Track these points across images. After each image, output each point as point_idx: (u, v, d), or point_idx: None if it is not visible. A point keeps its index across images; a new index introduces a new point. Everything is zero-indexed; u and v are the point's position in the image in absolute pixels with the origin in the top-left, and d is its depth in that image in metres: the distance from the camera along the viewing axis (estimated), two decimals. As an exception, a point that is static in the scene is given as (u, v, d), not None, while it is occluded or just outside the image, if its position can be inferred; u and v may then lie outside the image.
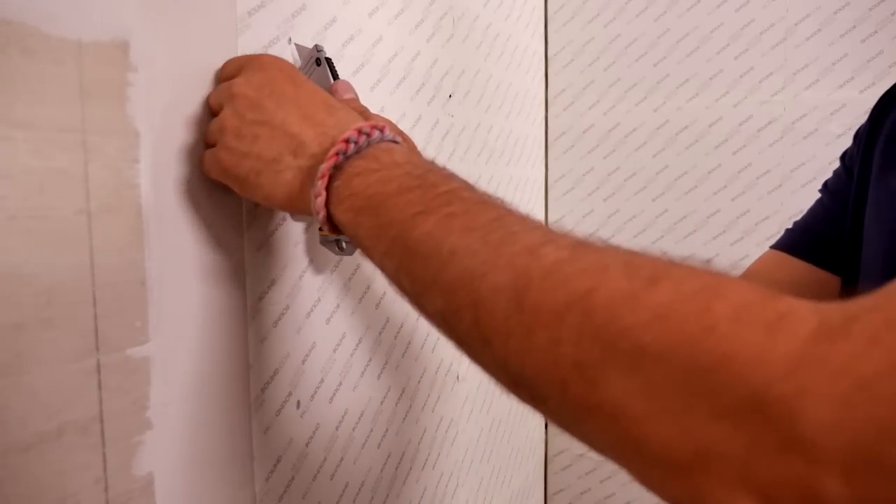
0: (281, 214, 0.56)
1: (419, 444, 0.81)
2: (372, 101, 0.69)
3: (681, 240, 1.17)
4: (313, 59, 0.53)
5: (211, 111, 0.47)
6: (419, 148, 0.79)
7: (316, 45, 0.53)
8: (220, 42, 0.49)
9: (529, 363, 0.28)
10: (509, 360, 0.29)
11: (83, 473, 0.40)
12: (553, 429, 1.28)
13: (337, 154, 0.39)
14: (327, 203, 0.39)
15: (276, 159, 0.41)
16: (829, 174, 1.07)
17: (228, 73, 0.47)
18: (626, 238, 1.21)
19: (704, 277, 0.26)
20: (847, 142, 1.03)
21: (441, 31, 0.84)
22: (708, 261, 0.27)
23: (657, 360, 0.24)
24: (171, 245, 0.45)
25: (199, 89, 0.47)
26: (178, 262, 0.46)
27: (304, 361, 0.60)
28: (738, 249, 1.13)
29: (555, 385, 0.27)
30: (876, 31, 1.01)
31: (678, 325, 0.24)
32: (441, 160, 0.85)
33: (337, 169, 0.39)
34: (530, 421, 1.21)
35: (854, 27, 1.03)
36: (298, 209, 0.42)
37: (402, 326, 0.77)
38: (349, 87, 0.53)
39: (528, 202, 1.19)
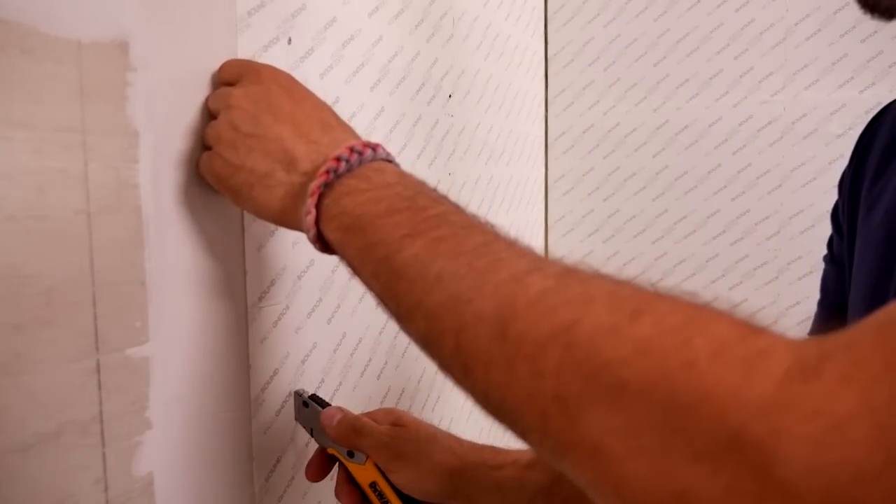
0: (281, 214, 0.56)
1: (419, 444, 0.81)
2: (372, 101, 0.69)
3: (681, 240, 1.17)
4: (301, 403, 0.55)
5: (209, 114, 0.47)
6: (419, 148, 0.79)
7: (296, 392, 0.56)
8: (220, 42, 0.49)
9: (510, 394, 0.28)
10: (490, 390, 0.29)
11: (83, 474, 0.40)
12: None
13: (328, 172, 0.39)
14: (317, 221, 0.39)
15: (268, 174, 0.41)
16: (828, 174, 1.07)
17: (226, 78, 0.47)
18: (626, 238, 1.21)
19: (688, 311, 0.26)
20: (847, 142, 1.03)
21: (441, 31, 0.84)
22: (694, 293, 0.27)
23: (637, 397, 0.24)
24: (170, 245, 0.45)
25: (198, 89, 0.47)
26: (178, 263, 0.46)
27: (304, 361, 0.60)
28: (738, 249, 1.13)
29: (535, 418, 0.27)
30: (876, 31, 1.01)
31: (659, 360, 0.24)
32: (441, 160, 0.85)
33: (328, 187, 0.39)
34: (530, 421, 1.21)
35: (854, 27, 1.03)
36: (290, 225, 0.42)
37: (401, 326, 0.77)
38: (336, 411, 0.53)
39: (528, 202, 1.19)
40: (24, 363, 0.36)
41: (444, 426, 0.87)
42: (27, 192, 0.36)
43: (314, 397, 0.55)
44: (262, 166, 0.42)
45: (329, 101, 0.62)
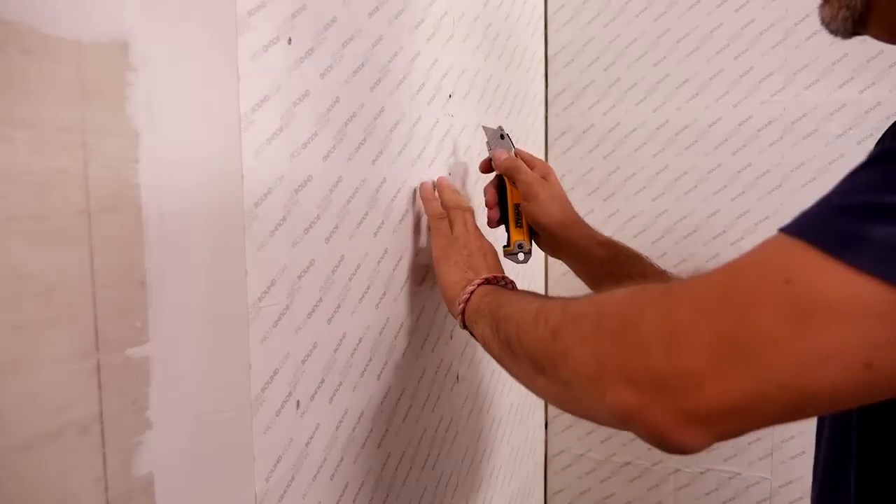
0: (280, 215, 0.56)
1: (419, 444, 0.81)
2: (372, 101, 0.69)
3: (681, 240, 1.17)
4: (498, 135, 0.82)
5: (443, 203, 0.77)
6: (417, 149, 0.79)
7: (500, 127, 0.83)
8: (220, 42, 0.49)
9: (539, 351, 0.50)
10: (531, 352, 0.51)
11: (83, 473, 0.40)
12: (553, 428, 1.28)
13: (484, 280, 0.68)
14: (467, 301, 0.67)
15: (461, 269, 0.72)
16: (828, 174, 1.07)
17: (448, 202, 0.78)
18: (626, 238, 1.20)
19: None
20: (847, 142, 1.04)
21: (441, 31, 0.84)
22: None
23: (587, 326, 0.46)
24: (170, 245, 0.45)
25: (198, 89, 0.47)
26: (178, 262, 0.46)
27: (304, 361, 0.60)
28: (738, 249, 1.13)
29: (543, 350, 0.49)
30: (876, 31, 1.01)
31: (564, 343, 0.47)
32: (441, 160, 0.85)
33: (479, 286, 0.67)
34: (530, 421, 1.21)
35: (854, 27, 1.03)
36: (448, 299, 0.71)
37: (401, 326, 0.77)
38: (503, 152, 0.83)
39: (528, 202, 1.19)
40: (25, 363, 0.36)
41: (444, 425, 0.87)
42: (28, 192, 0.36)
43: (509, 136, 0.83)
44: (461, 263, 0.73)
45: (329, 101, 0.62)
